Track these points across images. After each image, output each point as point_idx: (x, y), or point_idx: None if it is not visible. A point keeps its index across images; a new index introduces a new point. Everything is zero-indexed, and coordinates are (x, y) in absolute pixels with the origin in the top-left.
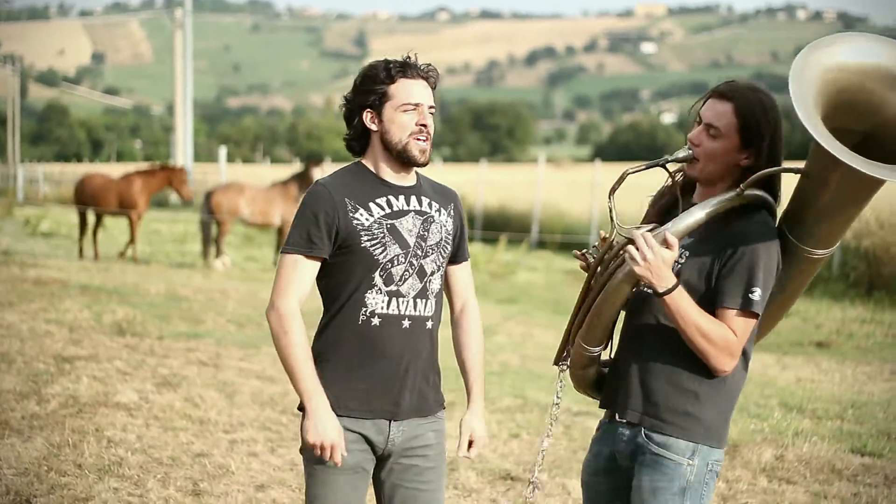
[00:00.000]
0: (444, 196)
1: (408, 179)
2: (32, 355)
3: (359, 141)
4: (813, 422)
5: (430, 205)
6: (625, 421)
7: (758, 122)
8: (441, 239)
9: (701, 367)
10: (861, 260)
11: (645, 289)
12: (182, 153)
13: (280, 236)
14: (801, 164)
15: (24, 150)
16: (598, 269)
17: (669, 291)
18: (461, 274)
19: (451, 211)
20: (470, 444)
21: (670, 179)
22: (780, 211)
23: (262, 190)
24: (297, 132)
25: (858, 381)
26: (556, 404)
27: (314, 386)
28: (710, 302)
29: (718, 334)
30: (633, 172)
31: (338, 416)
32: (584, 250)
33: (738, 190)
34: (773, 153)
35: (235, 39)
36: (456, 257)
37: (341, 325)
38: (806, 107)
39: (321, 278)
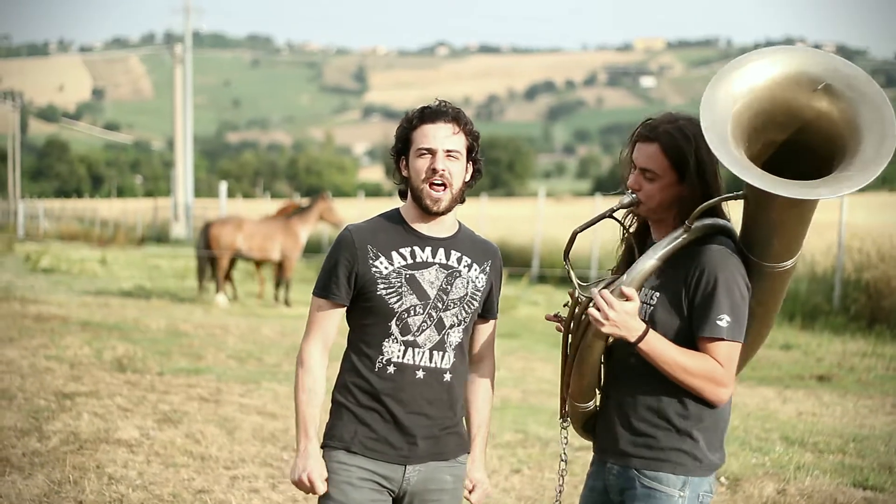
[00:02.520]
0: (483, 252)
1: (441, 230)
2: (33, 392)
3: (404, 188)
4: (815, 455)
5: (459, 259)
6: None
7: (684, 153)
8: (466, 294)
9: (688, 402)
10: (862, 293)
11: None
12: (182, 188)
13: (280, 271)
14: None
15: (25, 186)
16: (570, 330)
17: (641, 339)
18: (485, 331)
19: (487, 268)
20: (473, 491)
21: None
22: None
23: (262, 224)
24: (297, 167)
25: (860, 415)
26: (563, 460)
27: (309, 430)
28: (690, 335)
29: (702, 367)
30: (582, 230)
31: (353, 453)
32: (556, 312)
33: (684, 226)
34: (706, 177)
35: (235, 75)
36: (484, 314)
37: (359, 368)
38: (722, 142)
39: (348, 320)
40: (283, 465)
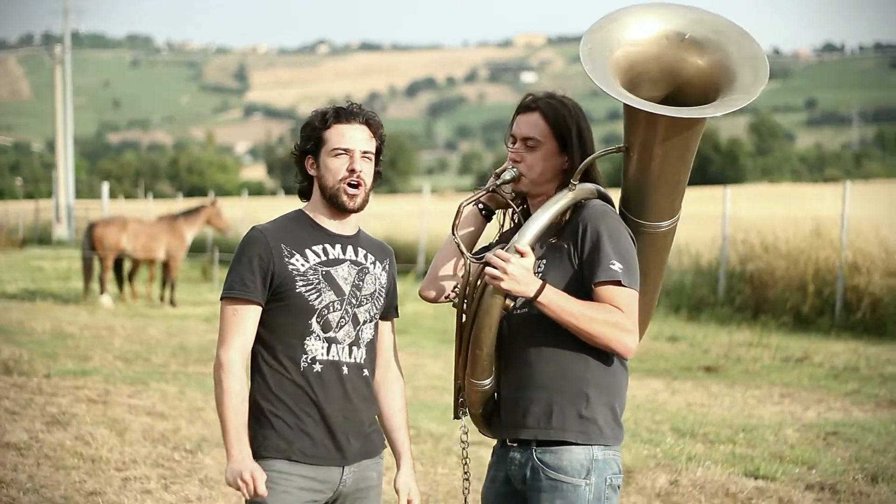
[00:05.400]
0: (381, 251)
1: (346, 228)
2: None
3: (306, 187)
4: (705, 446)
5: (366, 256)
6: (515, 444)
7: (566, 121)
8: (375, 290)
9: (585, 368)
10: (746, 284)
11: (516, 310)
12: (64, 190)
13: (165, 271)
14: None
15: None
16: (465, 302)
17: (540, 291)
18: (387, 332)
19: (387, 265)
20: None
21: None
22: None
23: (147, 224)
24: (178, 167)
25: (748, 405)
26: (465, 450)
27: (240, 436)
28: (585, 295)
29: (605, 314)
30: (468, 203)
31: (294, 462)
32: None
33: (569, 185)
34: (586, 149)
35: (115, 75)
36: (386, 313)
37: (284, 372)
38: (607, 81)
39: (259, 325)
40: (174, 466)
